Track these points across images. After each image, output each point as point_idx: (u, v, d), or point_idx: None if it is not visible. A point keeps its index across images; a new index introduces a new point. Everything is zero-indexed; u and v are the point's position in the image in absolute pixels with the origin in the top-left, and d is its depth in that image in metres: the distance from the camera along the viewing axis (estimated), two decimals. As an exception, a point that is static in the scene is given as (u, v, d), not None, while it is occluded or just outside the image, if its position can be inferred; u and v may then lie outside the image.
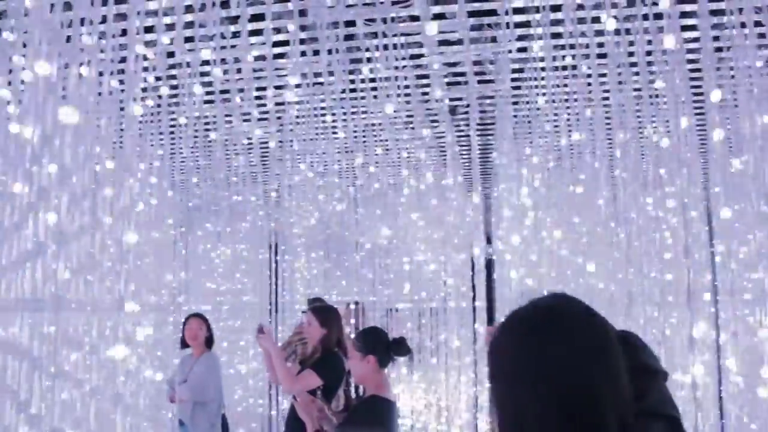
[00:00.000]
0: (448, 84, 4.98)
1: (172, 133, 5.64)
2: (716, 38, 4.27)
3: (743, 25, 3.70)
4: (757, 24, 3.91)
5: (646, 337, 4.30)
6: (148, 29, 4.32)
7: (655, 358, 1.65)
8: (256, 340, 5.61)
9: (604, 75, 4.54)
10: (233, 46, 4.40)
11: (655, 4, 3.72)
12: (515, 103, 5.38)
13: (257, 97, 5.28)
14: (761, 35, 3.98)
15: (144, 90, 4.76)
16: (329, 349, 5.53)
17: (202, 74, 4.82)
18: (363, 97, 4.73)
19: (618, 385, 1.43)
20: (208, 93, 5.32)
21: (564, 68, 4.59)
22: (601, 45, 4.11)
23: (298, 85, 5.14)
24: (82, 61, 3.26)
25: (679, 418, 1.55)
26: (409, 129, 5.59)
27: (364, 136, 5.72)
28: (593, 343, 1.44)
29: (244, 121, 5.47)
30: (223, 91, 5.23)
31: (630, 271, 4.59)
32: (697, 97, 4.73)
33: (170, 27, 4.28)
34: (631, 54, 4.16)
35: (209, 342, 6.60)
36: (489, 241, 9.12)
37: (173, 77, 5.08)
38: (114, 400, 3.56)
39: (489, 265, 8.51)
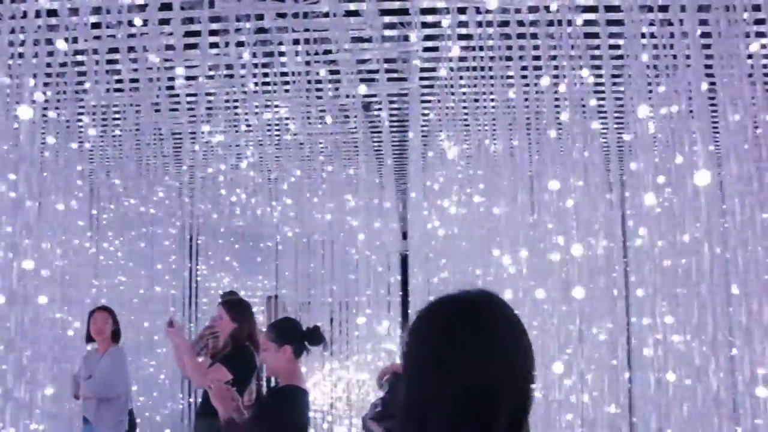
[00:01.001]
0: (362, 80, 5.03)
1: (79, 121, 5.48)
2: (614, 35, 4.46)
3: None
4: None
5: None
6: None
7: None
8: (166, 334, 5.54)
9: (510, 77, 4.68)
10: (144, 34, 4.32)
11: (547, 8, 3.86)
12: (428, 101, 5.48)
13: (168, 87, 5.18)
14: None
15: (48, 76, 4.60)
16: (240, 343, 5.51)
17: (109, 62, 4.71)
18: (275, 91, 4.71)
19: (527, 384, 1.50)
20: (117, 81, 5.19)
21: (474, 68, 4.71)
22: (509, 48, 4.24)
23: (210, 77, 5.09)
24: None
25: None
26: (323, 123, 5.61)
27: (277, 129, 5.70)
28: (511, 339, 1.50)
29: (156, 111, 5.36)
30: (132, 80, 5.12)
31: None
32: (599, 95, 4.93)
33: (74, 11, 4.17)
34: (537, 58, 4.31)
35: (116, 336, 6.46)
36: (404, 236, 9.23)
37: (80, 63, 4.94)
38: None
39: (404, 260, 8.63)
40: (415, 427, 1.46)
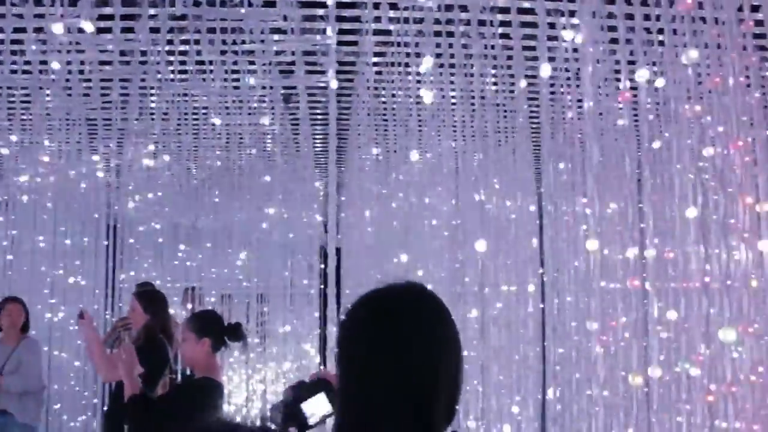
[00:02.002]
0: (281, 72, 5.01)
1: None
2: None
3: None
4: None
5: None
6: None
7: None
8: (77, 326, 5.42)
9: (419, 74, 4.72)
10: (50, 15, 4.18)
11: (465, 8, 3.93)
12: (348, 96, 5.49)
13: (80, 71, 5.03)
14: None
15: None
16: (153, 336, 5.42)
17: (14, 41, 4.54)
18: (186, 80, 4.64)
19: (458, 371, 1.55)
20: (26, 63, 5.01)
21: (392, 64, 4.75)
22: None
23: (126, 63, 4.96)
24: None
25: None
26: (246, 115, 5.55)
27: (195, 119, 5.61)
28: (442, 332, 1.54)
29: (68, 95, 5.19)
30: (42, 62, 4.95)
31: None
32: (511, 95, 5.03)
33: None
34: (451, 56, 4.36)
35: (25, 328, 6.39)
36: (337, 230, 9.22)
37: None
38: None
39: (338, 253, 8.63)
40: (358, 418, 1.49)
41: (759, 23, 3.32)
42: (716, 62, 2.89)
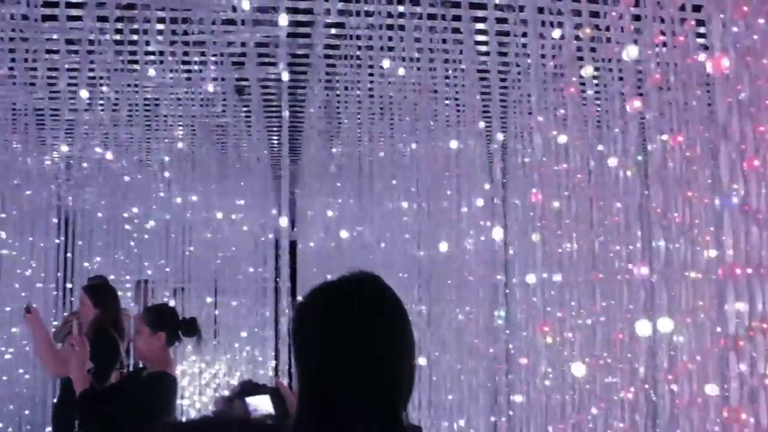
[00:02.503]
0: (233, 64, 4.96)
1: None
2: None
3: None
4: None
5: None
6: None
7: None
8: (23, 320, 5.31)
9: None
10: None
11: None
12: (302, 87, 5.47)
13: (25, 60, 4.90)
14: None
15: None
16: (103, 330, 5.34)
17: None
18: (135, 70, 4.57)
19: (413, 360, 1.58)
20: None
21: (345, 57, 4.74)
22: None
23: (74, 52, 4.85)
24: None
25: None
26: (198, 106, 5.49)
27: (147, 109, 5.52)
28: (397, 321, 1.57)
29: (13, 84, 5.07)
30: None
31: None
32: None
33: None
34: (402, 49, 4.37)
35: None
36: (293, 223, 9.19)
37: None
38: None
39: (293, 245, 8.59)
40: (319, 409, 1.50)
41: (700, 23, 3.40)
42: (657, 60, 2.96)
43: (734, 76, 2.22)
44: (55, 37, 4.53)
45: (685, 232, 3.05)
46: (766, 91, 2.48)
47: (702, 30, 3.30)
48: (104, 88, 4.88)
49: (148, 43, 4.35)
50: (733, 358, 2.07)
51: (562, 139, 3.54)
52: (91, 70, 4.95)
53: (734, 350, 2.04)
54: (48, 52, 4.84)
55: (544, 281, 3.56)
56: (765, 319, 2.39)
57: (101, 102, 5.12)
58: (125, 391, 4.22)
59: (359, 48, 4.31)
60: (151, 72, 4.30)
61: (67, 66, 4.79)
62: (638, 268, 2.68)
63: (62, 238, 8.99)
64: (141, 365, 4.56)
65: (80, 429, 4.35)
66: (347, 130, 5.19)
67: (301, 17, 4.56)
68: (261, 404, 2.82)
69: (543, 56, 3.66)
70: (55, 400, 6.84)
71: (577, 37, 3.69)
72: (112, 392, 4.42)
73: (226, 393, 4.33)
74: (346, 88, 4.93)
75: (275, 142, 6.88)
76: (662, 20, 2.90)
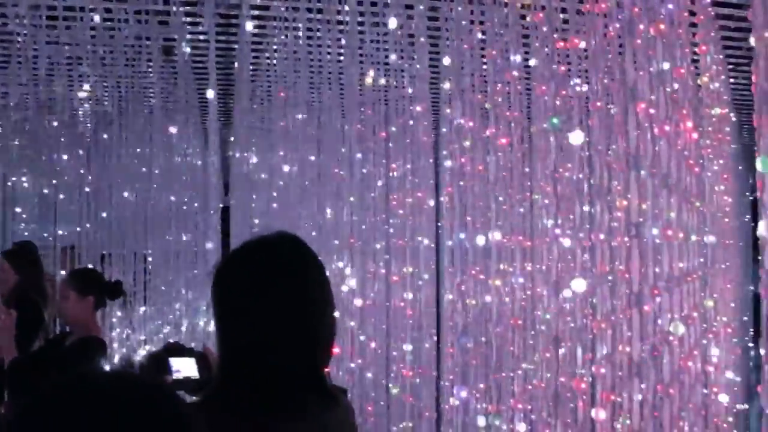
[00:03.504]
0: (160, 23, 4.81)
1: None
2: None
3: None
4: None
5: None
6: None
7: None
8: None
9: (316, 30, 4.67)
10: None
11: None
12: (231, 50, 5.35)
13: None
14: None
15: None
16: (24, 297, 5.21)
17: None
18: (55, 27, 4.38)
19: (332, 320, 1.58)
20: None
21: (273, 18, 4.65)
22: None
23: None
24: None
25: None
26: (122, 66, 5.30)
27: (69, 69, 5.31)
28: (317, 276, 1.57)
29: None
30: None
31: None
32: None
33: None
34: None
35: None
36: (227, 189, 9.04)
37: None
38: None
39: (225, 211, 8.48)
40: (240, 373, 1.49)
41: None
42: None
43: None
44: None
45: (602, 196, 3.16)
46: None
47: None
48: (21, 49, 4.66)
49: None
50: (636, 318, 2.17)
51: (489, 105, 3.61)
52: (4, 24, 4.72)
53: (638, 310, 2.14)
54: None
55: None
56: (670, 279, 2.51)
57: (19, 59, 4.90)
58: (55, 359, 4.14)
59: (287, 9, 4.23)
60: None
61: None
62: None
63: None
64: (67, 330, 4.49)
65: (10, 398, 4.26)
66: (276, 92, 5.10)
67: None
68: (184, 367, 2.81)
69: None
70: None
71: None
72: (41, 360, 4.33)
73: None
74: (276, 50, 4.86)
75: (204, 103, 6.72)
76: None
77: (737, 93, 6.81)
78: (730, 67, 6.04)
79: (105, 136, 6.55)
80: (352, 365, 4.56)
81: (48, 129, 6.54)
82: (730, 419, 4.86)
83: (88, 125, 6.39)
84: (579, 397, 2.97)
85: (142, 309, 6.84)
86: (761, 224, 1.70)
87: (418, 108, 4.15)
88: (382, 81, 4.42)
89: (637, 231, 2.15)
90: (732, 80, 6.28)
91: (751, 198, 9.49)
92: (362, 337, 4.61)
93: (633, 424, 2.34)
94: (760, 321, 1.78)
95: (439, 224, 4.80)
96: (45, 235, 7.99)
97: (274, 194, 5.58)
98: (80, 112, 6.91)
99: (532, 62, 3.28)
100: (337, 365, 4.48)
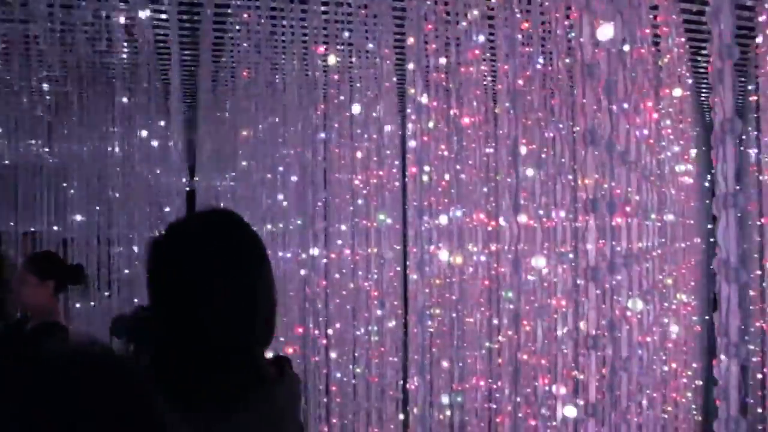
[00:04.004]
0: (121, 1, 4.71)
1: None
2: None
3: None
4: None
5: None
6: None
7: None
8: None
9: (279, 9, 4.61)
10: None
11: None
12: (195, 28, 5.26)
13: None
14: None
15: None
16: (-21, 282, 5.09)
17: None
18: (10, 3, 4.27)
19: (271, 296, 1.58)
20: None
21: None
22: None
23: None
24: None
25: None
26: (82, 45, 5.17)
27: (26, 47, 5.18)
28: (250, 254, 1.56)
29: None
30: None
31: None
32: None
33: None
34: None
35: None
36: (192, 173, 8.94)
37: None
38: None
39: (191, 195, 8.39)
40: (176, 348, 1.48)
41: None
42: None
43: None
44: None
45: (563, 174, 3.18)
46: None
47: None
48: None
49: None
50: (592, 289, 2.20)
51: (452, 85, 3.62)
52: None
53: (593, 283, 2.17)
54: None
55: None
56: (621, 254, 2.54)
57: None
58: (17, 345, 4.07)
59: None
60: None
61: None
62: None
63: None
64: (25, 316, 4.40)
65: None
66: (239, 71, 5.03)
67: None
68: None
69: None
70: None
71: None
72: (1, 347, 4.25)
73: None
74: (239, 30, 4.79)
75: (167, 83, 6.61)
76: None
77: (700, 76, 6.90)
78: (692, 50, 6.12)
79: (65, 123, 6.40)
80: (318, 345, 4.56)
81: (5, 109, 6.40)
82: (689, 395, 4.98)
83: (49, 106, 6.23)
84: (540, 373, 3.01)
85: (106, 293, 6.74)
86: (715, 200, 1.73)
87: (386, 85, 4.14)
88: (347, 61, 4.40)
89: (593, 208, 2.17)
90: (693, 63, 6.36)
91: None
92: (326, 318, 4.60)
93: (591, 398, 2.37)
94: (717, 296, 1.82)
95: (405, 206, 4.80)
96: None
97: (235, 176, 5.51)
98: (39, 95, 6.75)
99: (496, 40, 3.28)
100: (302, 345, 4.48)
